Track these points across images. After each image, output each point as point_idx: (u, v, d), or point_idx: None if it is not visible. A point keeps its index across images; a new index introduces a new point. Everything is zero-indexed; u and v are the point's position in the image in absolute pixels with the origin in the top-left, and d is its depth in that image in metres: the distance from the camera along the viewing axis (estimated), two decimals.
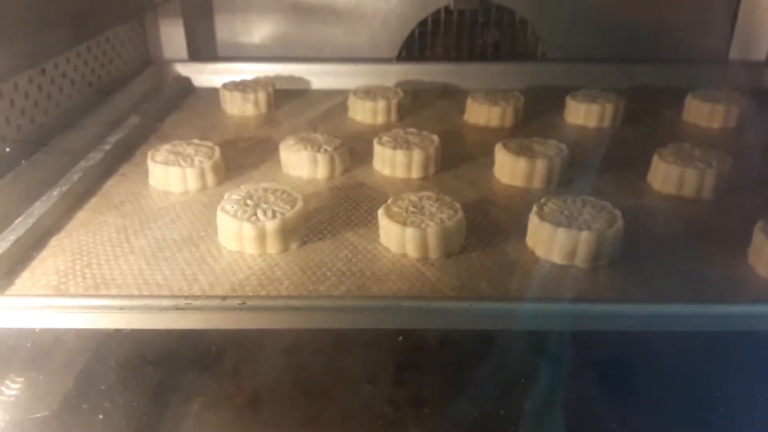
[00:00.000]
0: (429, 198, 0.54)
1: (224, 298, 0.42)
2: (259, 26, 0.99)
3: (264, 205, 0.52)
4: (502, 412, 0.41)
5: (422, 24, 0.98)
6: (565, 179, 0.63)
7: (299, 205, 0.52)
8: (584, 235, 0.48)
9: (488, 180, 0.65)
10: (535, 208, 0.52)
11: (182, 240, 0.53)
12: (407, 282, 0.47)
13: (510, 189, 0.63)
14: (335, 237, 0.54)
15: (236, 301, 0.41)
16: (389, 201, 0.53)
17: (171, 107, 0.85)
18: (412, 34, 0.98)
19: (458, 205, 0.53)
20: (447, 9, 0.96)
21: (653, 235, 0.54)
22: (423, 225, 0.50)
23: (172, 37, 0.94)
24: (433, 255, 0.50)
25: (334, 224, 0.56)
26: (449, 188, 0.63)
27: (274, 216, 0.50)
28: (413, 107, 0.85)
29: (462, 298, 0.45)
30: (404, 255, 0.50)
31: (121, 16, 0.82)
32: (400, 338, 0.42)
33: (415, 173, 0.65)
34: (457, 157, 0.70)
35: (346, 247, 0.52)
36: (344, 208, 0.59)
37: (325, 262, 0.50)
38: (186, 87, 0.93)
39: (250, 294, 0.45)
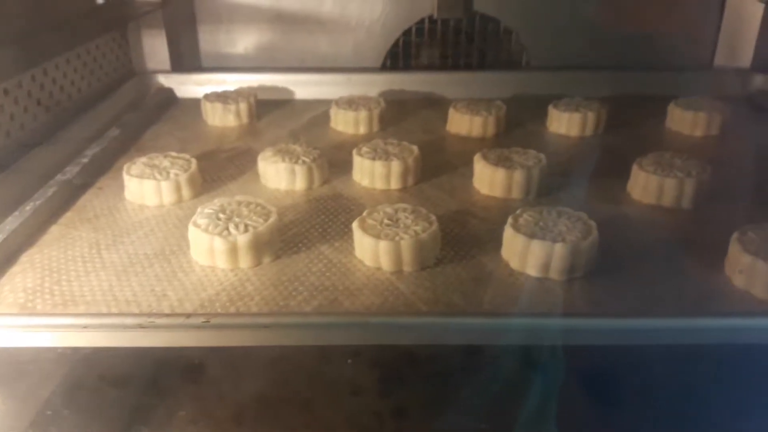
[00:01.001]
0: (405, 210, 0.53)
1: (188, 316, 0.41)
2: (243, 37, 0.99)
3: (236, 219, 0.51)
4: (486, 425, 0.41)
5: (406, 33, 0.98)
6: (545, 189, 0.63)
7: (272, 218, 0.51)
8: (558, 247, 0.47)
9: (468, 190, 0.64)
10: (510, 220, 0.51)
11: (154, 255, 0.53)
12: (380, 296, 0.47)
13: (489, 200, 0.62)
14: (310, 250, 0.53)
15: (200, 319, 0.41)
16: (364, 213, 0.53)
17: (153, 119, 0.85)
18: (396, 44, 0.98)
19: (433, 217, 0.52)
20: (431, 18, 0.96)
21: (631, 246, 0.53)
22: (397, 238, 0.49)
23: (155, 48, 0.94)
24: (407, 268, 0.50)
25: (309, 237, 0.55)
26: (428, 199, 0.63)
27: (246, 230, 0.50)
28: (397, 117, 0.85)
29: (429, 314, 0.44)
30: (378, 268, 0.50)
31: (103, 27, 0.81)
32: (349, 361, 0.41)
33: (395, 184, 0.64)
34: (438, 167, 0.70)
35: (320, 260, 0.51)
36: (321, 221, 0.58)
37: (297, 277, 0.49)
38: (169, 98, 0.92)
39: (219, 310, 0.45)
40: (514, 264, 0.50)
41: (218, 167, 0.70)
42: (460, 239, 0.55)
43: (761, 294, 0.45)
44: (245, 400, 0.42)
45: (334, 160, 0.70)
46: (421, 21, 0.97)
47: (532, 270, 0.49)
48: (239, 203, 0.54)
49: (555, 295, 0.46)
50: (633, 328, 0.41)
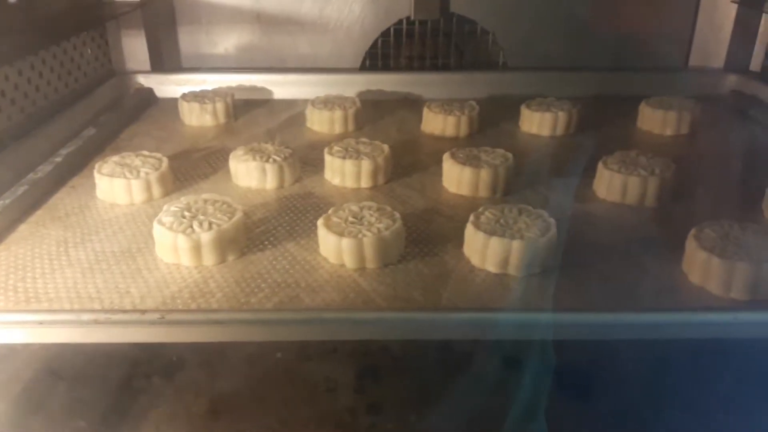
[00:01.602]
0: (370, 208, 0.54)
1: (143, 312, 0.42)
2: (223, 37, 0.99)
3: (201, 217, 0.52)
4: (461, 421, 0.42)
5: (385, 34, 0.98)
6: (512, 187, 0.64)
7: (237, 216, 0.52)
8: (516, 244, 0.48)
9: (437, 189, 0.65)
10: (471, 218, 0.52)
11: (121, 252, 0.53)
12: (341, 293, 0.47)
13: (457, 198, 0.63)
14: (276, 247, 0.54)
15: (155, 315, 0.41)
16: (330, 211, 0.53)
17: (130, 118, 0.85)
18: (375, 44, 0.99)
19: (398, 215, 0.53)
20: (408, 19, 0.97)
21: (592, 243, 0.54)
22: (360, 235, 0.50)
23: (135, 48, 0.94)
24: (370, 265, 0.50)
25: (276, 234, 0.56)
26: (398, 197, 0.63)
27: (210, 228, 0.50)
28: (373, 116, 0.86)
29: (382, 309, 0.45)
30: (342, 265, 0.50)
31: (77, 27, 0.82)
32: (279, 354, 0.42)
33: (365, 183, 0.65)
34: (409, 166, 0.70)
35: (285, 257, 0.52)
36: (289, 218, 0.59)
37: (261, 274, 0.50)
38: (148, 98, 0.93)
39: (180, 307, 0.45)
40: (475, 261, 0.50)
41: (192, 166, 0.70)
42: (425, 236, 0.56)
43: (716, 290, 0.46)
44: (220, 397, 0.42)
45: (308, 159, 0.71)
46: (399, 22, 0.97)
47: (492, 266, 0.49)
48: (205, 201, 0.54)
49: (511, 291, 0.47)
50: (571, 323, 0.42)
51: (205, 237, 0.50)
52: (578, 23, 0.98)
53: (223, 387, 0.45)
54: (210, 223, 0.51)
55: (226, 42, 1.00)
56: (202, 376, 0.47)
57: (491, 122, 0.83)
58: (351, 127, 0.81)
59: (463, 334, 0.42)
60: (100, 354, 0.43)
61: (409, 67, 1.01)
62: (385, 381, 0.47)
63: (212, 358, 0.45)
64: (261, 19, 0.98)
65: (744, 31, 0.94)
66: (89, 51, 0.88)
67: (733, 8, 0.94)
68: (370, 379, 0.48)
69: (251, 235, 0.55)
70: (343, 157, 0.65)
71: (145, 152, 0.66)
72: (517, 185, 0.65)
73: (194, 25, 0.99)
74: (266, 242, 0.54)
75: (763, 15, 0.91)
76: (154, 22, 0.96)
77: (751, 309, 0.44)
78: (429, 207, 0.61)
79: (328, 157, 0.66)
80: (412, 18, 0.95)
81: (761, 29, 0.93)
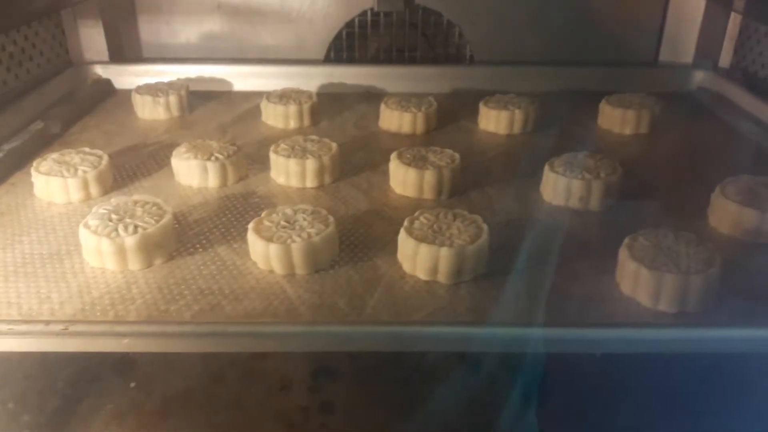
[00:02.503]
0: (305, 211, 0.53)
1: (47, 323, 0.41)
2: (184, 27, 0.97)
3: (128, 220, 0.50)
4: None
5: (349, 25, 0.96)
6: (459, 189, 0.62)
7: (164, 219, 0.51)
8: (443, 251, 0.47)
9: (383, 190, 0.64)
10: (405, 223, 0.51)
11: (49, 255, 0.52)
12: (265, 300, 0.46)
13: (402, 199, 0.62)
14: (207, 251, 0.53)
15: (59, 327, 0.40)
16: (263, 214, 0.52)
17: (84, 111, 0.83)
18: (339, 36, 0.97)
19: (331, 219, 0.52)
20: (372, 10, 0.95)
21: (529, 249, 0.53)
22: (289, 241, 0.49)
23: (92, 38, 0.93)
24: (300, 271, 0.49)
25: (210, 237, 0.55)
26: (342, 198, 0.62)
27: (135, 231, 0.49)
28: (332, 111, 0.84)
29: (290, 323, 0.44)
30: (271, 271, 0.50)
31: (25, 17, 0.80)
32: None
33: (310, 182, 0.64)
34: (360, 164, 0.69)
35: (214, 262, 0.51)
36: (227, 220, 0.58)
37: (186, 280, 0.49)
38: (106, 89, 0.91)
39: (98, 314, 0.44)
40: (407, 267, 0.50)
41: (138, 162, 0.69)
42: (363, 240, 0.55)
43: (645, 301, 0.45)
44: (172, 395, 0.42)
45: (258, 156, 0.69)
46: (364, 13, 0.96)
47: (421, 273, 0.48)
48: (135, 203, 0.53)
49: (436, 300, 0.46)
50: (478, 336, 0.41)
51: (130, 241, 0.49)
52: (546, 17, 0.96)
53: (176, 385, 0.45)
54: (135, 227, 0.50)
55: (188, 32, 0.98)
56: (154, 373, 0.47)
57: (451, 119, 0.82)
58: (307, 122, 0.79)
59: (371, 346, 0.41)
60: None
61: (377, 60, 0.99)
62: (341, 380, 0.47)
63: (166, 355, 0.44)
64: (222, 9, 0.96)
65: (713, 27, 0.93)
66: (42, 41, 0.86)
67: (702, 2, 0.92)
68: (325, 377, 0.48)
69: (185, 236, 0.54)
70: (288, 156, 0.63)
71: (86, 149, 0.64)
72: (465, 186, 0.63)
73: (155, 14, 0.97)
74: (198, 245, 0.53)
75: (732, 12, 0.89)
76: (113, 12, 0.94)
77: (652, 325, 0.44)
78: (372, 209, 0.60)
79: (273, 156, 0.64)
80: (376, 9, 0.93)
81: (730, 24, 0.92)
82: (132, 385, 0.41)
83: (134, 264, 0.49)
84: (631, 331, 0.41)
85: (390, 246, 0.53)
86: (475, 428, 0.41)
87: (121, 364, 0.45)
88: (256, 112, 0.83)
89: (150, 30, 0.98)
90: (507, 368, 0.45)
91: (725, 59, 0.93)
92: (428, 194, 0.61)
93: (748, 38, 0.89)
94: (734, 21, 0.91)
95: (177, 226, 0.56)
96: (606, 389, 0.41)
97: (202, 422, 0.44)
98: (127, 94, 0.89)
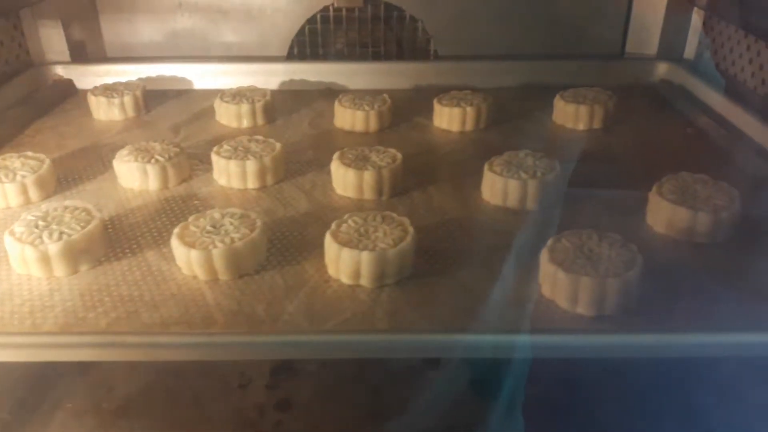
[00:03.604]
0: (233, 215, 0.52)
1: None
2: (146, 26, 0.97)
3: (54, 227, 0.50)
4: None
5: (311, 21, 0.96)
6: (400, 189, 0.62)
7: (91, 225, 0.51)
8: (365, 256, 0.47)
9: (326, 191, 0.63)
10: (332, 226, 0.51)
11: None
12: (182, 308, 0.46)
13: (343, 200, 0.62)
14: (135, 256, 0.52)
15: None
16: (190, 219, 0.52)
17: (41, 112, 0.83)
18: (302, 32, 0.96)
19: (259, 224, 0.51)
20: (334, 6, 0.94)
21: (459, 250, 0.52)
22: (211, 246, 0.49)
23: (52, 37, 0.92)
24: (223, 277, 0.49)
25: (141, 242, 0.55)
26: (283, 199, 0.62)
27: (59, 238, 0.49)
28: (289, 109, 0.84)
29: (180, 333, 0.44)
30: (195, 277, 0.49)
31: None
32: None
33: (251, 183, 0.63)
34: (307, 164, 0.69)
35: (140, 268, 0.51)
36: (162, 224, 0.57)
37: (109, 286, 0.49)
38: (66, 90, 0.91)
39: (16, 323, 0.44)
40: (331, 271, 0.49)
41: (85, 165, 0.69)
42: (295, 244, 0.54)
43: (564, 304, 0.45)
44: (132, 393, 0.42)
45: (207, 157, 0.68)
46: (326, 9, 0.95)
47: (345, 277, 0.48)
48: (65, 208, 0.53)
49: (358, 304, 0.46)
50: (389, 342, 0.41)
51: (53, 248, 0.48)
52: (511, 11, 0.95)
53: (137, 382, 0.45)
54: (60, 234, 0.50)
55: (150, 31, 0.97)
56: (114, 371, 0.47)
57: (407, 116, 0.81)
58: (261, 120, 0.79)
59: (285, 354, 0.41)
60: None
61: (342, 56, 0.98)
62: (300, 377, 0.47)
63: None
64: (183, 7, 0.95)
65: (677, 19, 0.92)
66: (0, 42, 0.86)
67: None
68: (285, 375, 0.48)
69: (117, 241, 0.54)
70: (229, 157, 0.63)
71: (29, 153, 0.64)
72: (407, 185, 0.63)
73: (116, 13, 0.96)
74: (128, 250, 0.53)
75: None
76: (73, 11, 0.93)
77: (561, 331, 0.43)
78: (311, 210, 0.60)
79: (214, 157, 0.64)
80: (336, 5, 0.93)
81: (694, 17, 0.90)
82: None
83: (59, 271, 0.49)
84: (527, 337, 0.41)
85: (321, 249, 0.53)
86: (431, 425, 0.42)
87: (80, 363, 0.45)
88: (213, 111, 0.82)
89: (112, 29, 0.97)
90: (461, 368, 0.46)
91: (690, 52, 0.92)
92: (368, 195, 0.61)
93: (711, 29, 0.88)
94: (698, 13, 0.89)
95: (110, 230, 0.56)
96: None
97: (159, 420, 0.45)
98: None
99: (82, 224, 0.51)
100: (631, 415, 0.43)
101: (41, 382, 0.42)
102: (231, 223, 0.51)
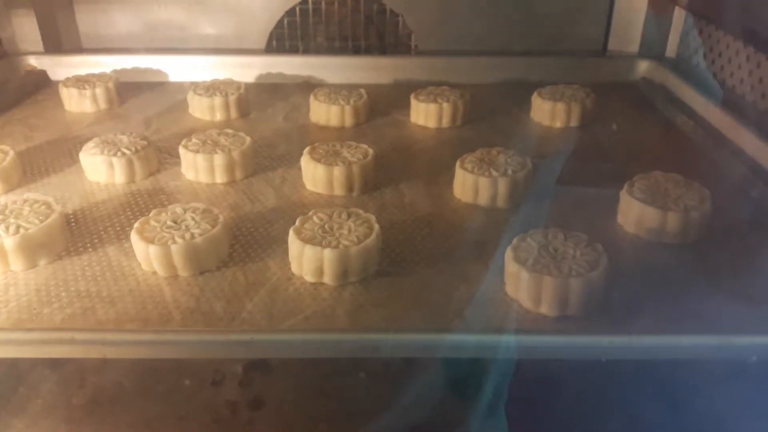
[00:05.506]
0: (195, 210, 0.51)
1: None
2: (122, 17, 0.95)
3: (12, 220, 0.49)
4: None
5: (290, 13, 0.94)
6: (372, 185, 0.61)
7: (49, 219, 0.50)
8: (327, 253, 0.46)
9: (296, 186, 0.62)
10: (297, 223, 0.50)
11: None
12: (139, 305, 0.45)
13: (313, 196, 0.61)
14: (96, 251, 0.51)
15: None
16: (151, 214, 0.51)
17: (13, 103, 0.82)
18: (280, 25, 0.95)
19: (221, 219, 0.50)
20: None
21: (426, 248, 0.52)
22: (170, 242, 0.48)
23: (25, 28, 0.91)
24: (183, 273, 0.48)
25: (102, 237, 0.53)
26: (251, 194, 0.61)
27: (17, 232, 0.48)
28: (264, 103, 0.83)
29: (134, 331, 0.43)
30: (155, 273, 0.48)
31: None
32: None
33: (220, 178, 0.62)
34: (279, 159, 0.68)
35: (99, 263, 0.50)
36: (125, 218, 0.56)
37: (67, 281, 0.48)
38: (40, 81, 0.89)
39: None
40: (294, 268, 0.48)
41: (52, 157, 0.68)
42: (259, 240, 0.53)
43: (527, 304, 0.44)
44: (103, 388, 0.41)
45: (177, 150, 0.68)
46: (305, 1, 0.94)
47: (308, 275, 0.47)
48: (25, 201, 0.52)
49: (319, 302, 0.45)
50: (351, 341, 0.40)
51: (9, 242, 0.47)
52: (493, 6, 0.94)
53: (109, 378, 0.44)
54: (18, 227, 0.48)
55: (126, 22, 0.96)
56: (85, 366, 0.46)
57: (384, 111, 0.80)
58: (234, 114, 0.78)
59: (237, 353, 0.40)
60: None
61: (322, 49, 0.97)
62: (274, 374, 0.46)
63: None
64: None
65: (658, 16, 0.91)
66: None
67: None
68: (259, 371, 0.47)
69: (79, 235, 0.53)
70: (197, 151, 0.62)
71: None
72: (380, 182, 0.62)
73: (91, 3, 0.94)
74: (88, 245, 0.52)
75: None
76: (46, 1, 0.92)
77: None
78: (279, 206, 0.59)
79: (182, 150, 0.63)
80: None
81: (676, 14, 0.90)
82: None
83: (17, 265, 0.48)
84: (485, 337, 0.40)
85: (286, 246, 0.52)
86: (404, 421, 0.41)
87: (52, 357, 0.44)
88: (187, 104, 0.81)
89: (87, 20, 0.96)
90: (440, 367, 0.45)
91: (672, 50, 0.92)
92: (338, 191, 0.60)
93: (692, 28, 0.87)
94: (679, 11, 0.89)
95: (73, 224, 0.55)
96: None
97: (130, 416, 0.44)
98: None
99: (41, 218, 0.50)
100: (613, 415, 0.42)
101: (10, 378, 0.41)
102: (192, 218, 0.50)
